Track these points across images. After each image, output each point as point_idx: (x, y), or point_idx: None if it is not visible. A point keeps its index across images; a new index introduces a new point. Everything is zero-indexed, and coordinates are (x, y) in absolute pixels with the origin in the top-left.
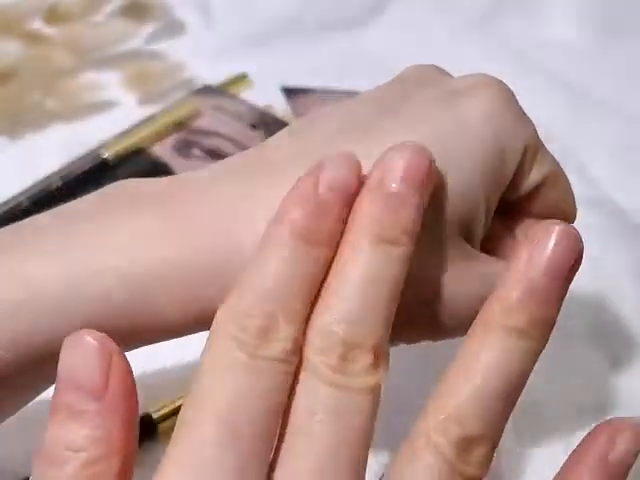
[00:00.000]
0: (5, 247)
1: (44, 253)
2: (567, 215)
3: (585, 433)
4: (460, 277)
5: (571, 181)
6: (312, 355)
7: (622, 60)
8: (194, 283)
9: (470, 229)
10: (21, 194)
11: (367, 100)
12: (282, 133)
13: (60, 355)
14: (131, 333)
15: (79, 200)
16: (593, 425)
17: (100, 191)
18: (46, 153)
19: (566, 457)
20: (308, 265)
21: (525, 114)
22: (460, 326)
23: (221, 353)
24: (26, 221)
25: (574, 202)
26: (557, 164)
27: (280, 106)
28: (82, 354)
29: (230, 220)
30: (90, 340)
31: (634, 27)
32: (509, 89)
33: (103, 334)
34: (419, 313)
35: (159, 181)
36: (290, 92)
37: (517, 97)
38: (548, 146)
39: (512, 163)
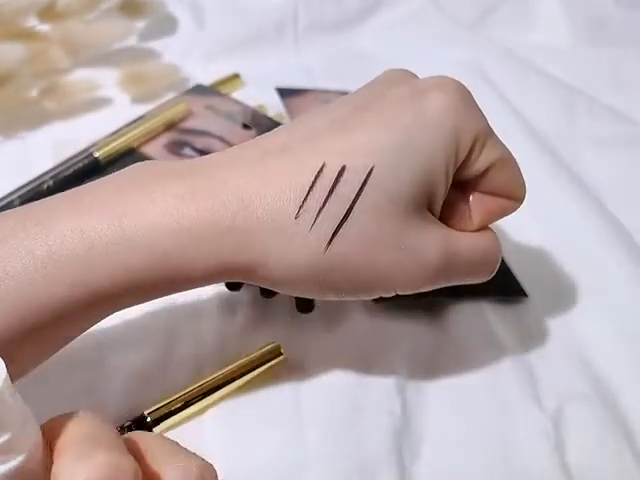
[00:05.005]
0: (66, 209)
1: (101, 214)
2: (515, 196)
3: None
4: (427, 235)
5: (562, 179)
6: None
7: (612, 61)
8: (214, 238)
9: (433, 200)
10: (12, 193)
11: (347, 101)
12: (277, 129)
13: None
14: (167, 281)
15: (116, 174)
16: None
17: (129, 168)
18: (40, 151)
19: None
20: None
21: (477, 108)
22: (431, 275)
23: None
24: (77, 190)
25: (522, 186)
26: (507, 152)
27: (272, 105)
28: None
29: (242, 190)
30: None
31: (620, 31)
32: (464, 88)
33: None
34: (401, 264)
35: (179, 161)
36: (284, 92)
37: (508, 95)
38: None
39: (464, 147)
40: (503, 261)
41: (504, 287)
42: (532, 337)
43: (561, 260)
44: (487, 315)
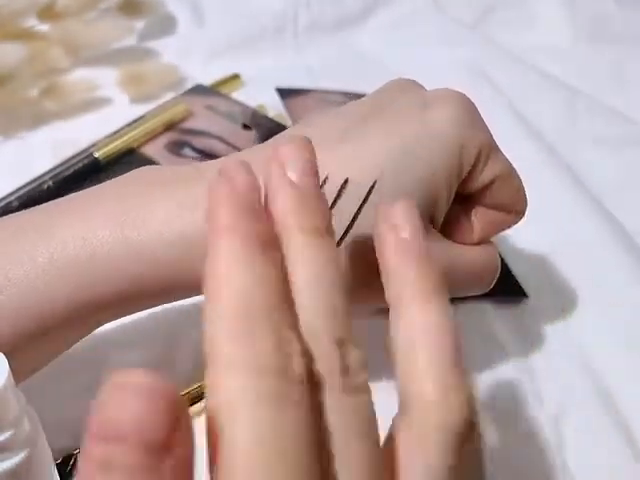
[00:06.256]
0: (69, 216)
1: (103, 222)
2: (517, 210)
3: None
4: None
5: (563, 179)
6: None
7: (612, 61)
8: None
9: (434, 212)
10: (12, 194)
11: (351, 110)
12: (280, 135)
13: (104, 397)
14: (169, 289)
15: (120, 178)
16: None
17: (132, 173)
18: (40, 151)
19: None
20: (271, 271)
21: (482, 122)
22: None
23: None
24: (80, 195)
25: (524, 200)
26: (510, 166)
27: (272, 106)
28: (147, 406)
29: None
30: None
31: (621, 30)
32: (470, 101)
33: (156, 378)
34: None
35: (183, 167)
36: (284, 92)
37: (508, 95)
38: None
39: (468, 160)
40: (503, 261)
41: (504, 287)
42: (532, 337)
43: (561, 260)
44: (487, 315)
